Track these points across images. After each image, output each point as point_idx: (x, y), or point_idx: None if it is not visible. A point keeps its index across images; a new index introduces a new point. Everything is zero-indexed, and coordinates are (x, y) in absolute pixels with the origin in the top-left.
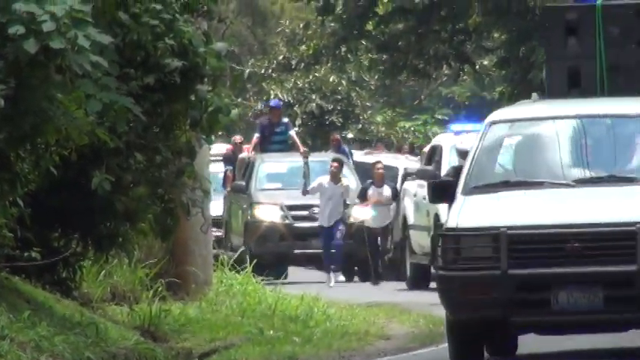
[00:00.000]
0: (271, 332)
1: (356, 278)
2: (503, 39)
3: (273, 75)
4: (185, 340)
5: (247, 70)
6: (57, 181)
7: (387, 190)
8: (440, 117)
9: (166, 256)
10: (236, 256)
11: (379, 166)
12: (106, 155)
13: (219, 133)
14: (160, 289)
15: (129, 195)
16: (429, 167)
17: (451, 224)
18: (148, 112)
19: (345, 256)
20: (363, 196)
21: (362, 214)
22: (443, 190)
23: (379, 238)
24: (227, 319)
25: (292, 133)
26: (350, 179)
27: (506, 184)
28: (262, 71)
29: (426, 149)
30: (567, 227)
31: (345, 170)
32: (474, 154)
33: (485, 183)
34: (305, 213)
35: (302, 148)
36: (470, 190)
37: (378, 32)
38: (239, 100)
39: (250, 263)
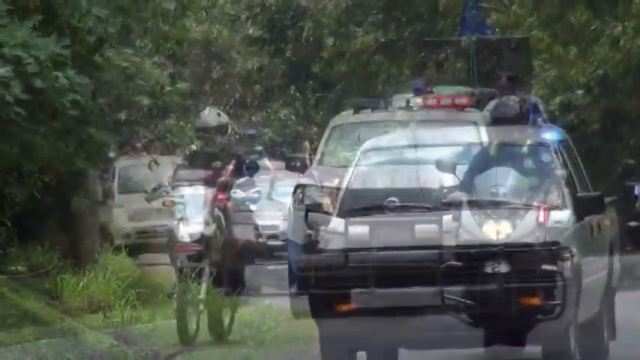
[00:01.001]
0: (229, 336)
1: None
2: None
3: (231, 111)
4: (153, 344)
5: (207, 107)
6: (40, 204)
7: None
8: None
9: (137, 269)
10: (197, 269)
11: None
12: (84, 181)
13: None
14: (131, 298)
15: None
16: None
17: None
18: (120, 143)
19: None
20: None
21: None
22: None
23: None
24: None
25: (266, 160)
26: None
27: (377, 208)
28: (221, 108)
29: None
30: (427, 249)
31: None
32: (349, 179)
33: (356, 207)
34: (275, 232)
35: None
36: (342, 214)
37: (323, 74)
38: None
39: (211, 276)
